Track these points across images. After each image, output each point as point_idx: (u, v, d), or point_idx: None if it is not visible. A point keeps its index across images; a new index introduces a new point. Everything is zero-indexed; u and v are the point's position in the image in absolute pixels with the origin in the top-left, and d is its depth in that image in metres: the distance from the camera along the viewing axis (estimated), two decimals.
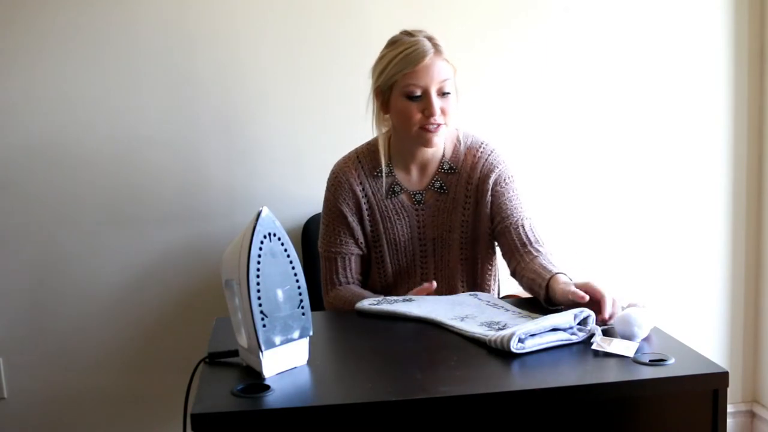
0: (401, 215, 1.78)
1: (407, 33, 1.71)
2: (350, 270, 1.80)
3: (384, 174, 1.77)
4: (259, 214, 1.23)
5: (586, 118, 2.31)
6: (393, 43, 1.71)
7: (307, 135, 2.19)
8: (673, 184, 2.38)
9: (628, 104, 2.32)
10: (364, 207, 1.78)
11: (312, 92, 2.18)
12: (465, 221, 1.78)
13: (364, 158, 1.80)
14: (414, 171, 1.79)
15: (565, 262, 2.17)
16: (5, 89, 2.08)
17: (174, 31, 2.11)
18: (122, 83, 2.11)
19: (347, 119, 2.16)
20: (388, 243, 1.79)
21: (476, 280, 1.83)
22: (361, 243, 1.80)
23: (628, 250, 2.38)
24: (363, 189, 1.78)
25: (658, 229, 2.39)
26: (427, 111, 1.66)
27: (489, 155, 1.78)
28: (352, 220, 1.78)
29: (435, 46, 1.67)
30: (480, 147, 1.79)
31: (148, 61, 2.11)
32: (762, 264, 2.42)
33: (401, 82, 1.67)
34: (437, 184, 1.78)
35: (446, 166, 1.78)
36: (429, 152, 1.76)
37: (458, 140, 1.79)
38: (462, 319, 1.48)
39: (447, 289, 1.80)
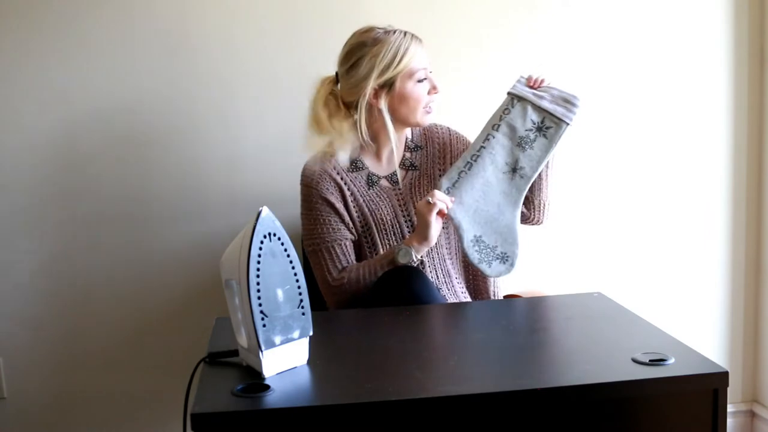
0: (382, 197, 1.84)
1: (382, 30, 1.79)
2: (349, 255, 1.81)
3: (361, 167, 1.86)
4: (259, 214, 1.23)
5: (586, 118, 2.31)
6: (377, 42, 1.77)
7: (308, 135, 2.19)
8: (673, 184, 2.38)
9: (628, 104, 2.32)
10: (347, 194, 1.82)
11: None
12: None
13: (332, 158, 1.84)
14: (384, 157, 1.88)
15: (566, 262, 2.17)
16: (4, 89, 2.08)
17: (174, 32, 2.11)
18: (122, 84, 2.11)
19: None
20: (377, 224, 1.82)
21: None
22: (352, 228, 1.83)
23: (628, 250, 2.38)
24: (342, 179, 1.83)
25: (658, 229, 2.39)
26: (433, 89, 1.82)
27: (449, 130, 1.95)
28: (340, 206, 1.81)
29: (413, 35, 1.81)
30: (437, 126, 1.94)
31: (148, 61, 2.11)
32: (762, 264, 2.42)
33: (408, 69, 1.78)
34: (407, 162, 1.88)
35: (412, 145, 1.91)
36: (400, 136, 1.88)
37: None
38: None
39: (437, 259, 1.82)
